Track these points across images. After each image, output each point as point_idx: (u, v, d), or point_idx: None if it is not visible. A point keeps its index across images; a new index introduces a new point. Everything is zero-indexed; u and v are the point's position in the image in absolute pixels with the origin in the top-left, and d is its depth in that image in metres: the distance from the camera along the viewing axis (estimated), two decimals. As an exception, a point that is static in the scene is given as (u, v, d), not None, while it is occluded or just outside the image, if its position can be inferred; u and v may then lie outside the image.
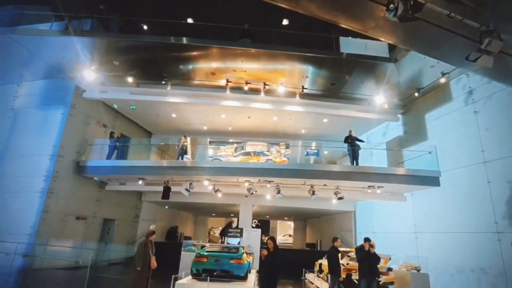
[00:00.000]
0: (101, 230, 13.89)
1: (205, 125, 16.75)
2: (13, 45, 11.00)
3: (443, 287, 9.69)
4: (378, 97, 13.01)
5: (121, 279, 10.47)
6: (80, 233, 12.41)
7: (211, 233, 25.17)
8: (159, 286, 8.75)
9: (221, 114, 15.30)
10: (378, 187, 11.99)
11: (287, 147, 15.82)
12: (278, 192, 12.43)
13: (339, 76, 13.47)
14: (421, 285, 8.33)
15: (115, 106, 14.63)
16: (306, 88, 14.02)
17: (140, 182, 12.86)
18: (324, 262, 10.93)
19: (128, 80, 13.39)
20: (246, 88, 13.78)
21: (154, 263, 7.09)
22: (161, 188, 12.77)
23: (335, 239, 8.14)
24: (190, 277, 9.32)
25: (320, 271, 11.07)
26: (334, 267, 7.67)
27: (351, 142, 12.56)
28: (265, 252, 6.25)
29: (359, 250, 7.29)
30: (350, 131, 12.71)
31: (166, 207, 19.65)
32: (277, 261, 6.21)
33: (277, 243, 6.59)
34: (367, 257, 6.90)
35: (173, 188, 13.04)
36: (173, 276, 8.49)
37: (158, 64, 12.86)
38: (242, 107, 14.16)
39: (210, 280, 8.47)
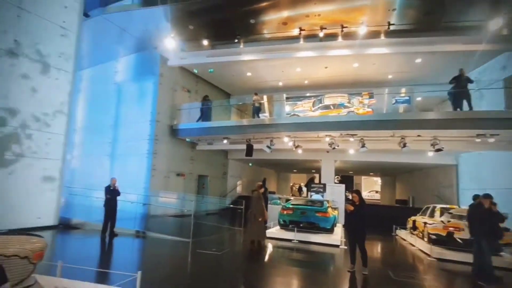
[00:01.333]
0: (197, 185, 15.75)
1: (280, 81, 16.35)
2: (106, 24, 12.34)
3: None
4: (495, 21, 10.17)
5: (218, 226, 11.86)
6: (181, 187, 14.34)
7: (294, 188, 25.98)
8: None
9: (296, 68, 14.60)
10: (491, 135, 9.92)
11: (371, 96, 14.27)
12: (363, 146, 11.58)
13: (438, 2, 10.93)
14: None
15: (195, 71, 15.44)
16: (393, 24, 11.94)
17: (225, 141, 13.73)
18: (418, 219, 10.07)
19: (203, 44, 13.78)
20: (321, 34, 12.58)
21: (266, 215, 8.09)
22: (244, 147, 13.42)
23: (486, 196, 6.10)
24: (278, 227, 9.90)
25: (414, 228, 10.28)
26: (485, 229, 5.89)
27: (462, 82, 10.34)
28: (350, 207, 5.98)
29: (476, 208, 6.26)
30: (461, 70, 10.39)
31: (250, 164, 20.85)
32: (364, 215, 5.89)
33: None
34: (487, 216, 5.88)
35: (255, 146, 13.54)
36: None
37: (230, 22, 12.72)
38: (318, 57, 13.13)
39: (297, 231, 8.82)
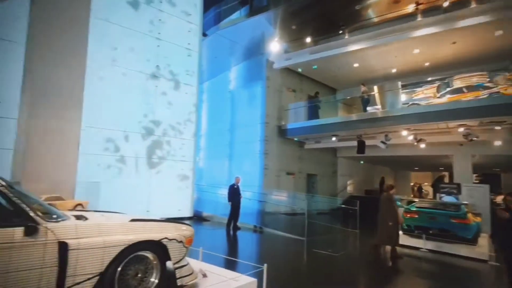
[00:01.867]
0: (306, 184, 15.77)
1: (393, 68, 14.55)
2: (220, 39, 13.88)
3: None
4: None
5: (330, 226, 11.51)
6: (291, 186, 14.66)
7: (415, 188, 22.70)
8: (368, 235, 8.86)
9: (412, 50, 12.66)
10: None
11: (526, 71, 10.93)
12: (519, 135, 8.98)
13: None
14: None
15: (299, 70, 15.51)
16: None
17: (333, 139, 13.25)
18: None
19: (306, 42, 13.70)
20: (445, 4, 10.47)
21: (401, 218, 7.26)
22: (354, 143, 12.59)
23: None
24: (400, 232, 8.78)
25: None
26: None
27: None
28: (505, 213, 4.65)
29: None
30: None
31: (361, 162, 19.43)
32: None
33: None
34: None
35: (368, 142, 12.50)
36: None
37: (333, 14, 12.20)
38: (443, 33, 10.98)
39: (427, 238, 7.59)
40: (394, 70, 14.82)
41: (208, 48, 14.52)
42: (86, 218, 2.69)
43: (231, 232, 8.74)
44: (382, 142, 11.54)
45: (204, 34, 13.35)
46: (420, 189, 20.17)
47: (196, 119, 11.05)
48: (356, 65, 14.47)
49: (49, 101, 5.38)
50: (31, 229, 2.15)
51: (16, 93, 6.45)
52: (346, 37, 12.94)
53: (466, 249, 7.19)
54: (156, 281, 2.87)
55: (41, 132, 5.49)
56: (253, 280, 3.82)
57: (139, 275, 2.80)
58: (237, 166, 14.73)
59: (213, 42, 14.26)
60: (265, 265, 3.84)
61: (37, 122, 5.51)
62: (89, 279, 2.37)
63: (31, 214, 2.22)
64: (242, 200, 9.18)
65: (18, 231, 2.11)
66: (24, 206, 2.22)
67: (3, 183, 2.23)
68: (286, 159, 14.86)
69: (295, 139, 15.10)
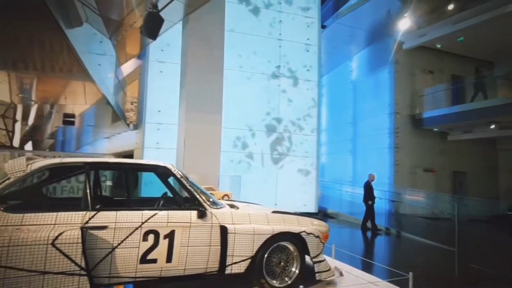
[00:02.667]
0: (452, 183, 13.08)
1: None
2: (339, 28, 13.23)
3: None
4: None
5: (491, 238, 9.16)
6: (431, 185, 12.50)
7: None
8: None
9: None
10: None
11: None
12: None
13: None
14: None
15: (438, 46, 12.96)
16: None
17: (492, 126, 10.43)
18: None
19: (447, 10, 11.29)
20: None
21: None
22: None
23: None
24: None
25: None
26: None
27: None
28: None
29: None
30: None
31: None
32: None
33: None
34: None
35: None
36: None
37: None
38: None
39: None
40: None
41: (327, 40, 14.08)
42: (237, 207, 3.05)
43: (367, 234, 8.18)
44: None
45: (323, 26, 13.03)
46: None
47: (317, 114, 10.95)
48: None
49: (199, 109, 6.45)
50: (202, 213, 2.61)
51: (176, 104, 8.12)
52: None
53: None
54: (297, 271, 2.96)
55: (194, 134, 6.62)
56: (396, 288, 3.42)
57: (282, 263, 2.96)
58: (362, 161, 13.72)
59: (332, 32, 13.71)
60: (411, 273, 3.35)
61: (191, 126, 6.67)
62: (243, 260, 2.67)
63: (201, 201, 2.69)
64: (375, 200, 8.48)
65: (194, 214, 2.60)
66: (196, 194, 2.71)
67: (182, 175, 2.79)
68: (423, 154, 12.75)
69: (435, 129, 12.74)
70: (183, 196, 2.88)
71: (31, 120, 15.49)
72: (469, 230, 9.43)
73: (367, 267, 4.70)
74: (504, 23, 10.71)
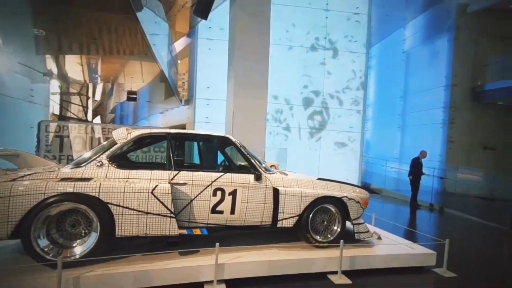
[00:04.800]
0: (515, 161, 12.00)
1: None
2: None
3: None
4: None
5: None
6: (489, 164, 11.65)
7: None
8: None
9: None
10: None
11: None
12: None
13: None
14: None
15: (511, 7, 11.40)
16: None
17: None
18: None
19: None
20: None
21: None
22: None
23: None
24: None
25: None
26: None
27: None
28: None
29: None
30: None
31: None
32: None
33: None
34: None
35: None
36: None
37: None
38: None
39: None
40: None
41: (378, 7, 13.18)
42: (286, 174, 3.52)
43: (410, 208, 8.24)
44: None
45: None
46: None
47: (365, 87, 10.68)
48: None
49: (246, 84, 6.86)
50: (258, 176, 3.15)
51: (224, 80, 8.63)
52: None
53: None
54: (338, 229, 3.45)
55: (241, 108, 7.12)
56: (432, 252, 3.67)
57: (325, 222, 3.42)
58: (411, 137, 13.14)
59: (384, -2, 12.79)
60: (447, 240, 3.58)
61: (239, 101, 7.16)
62: (292, 217, 3.19)
63: (257, 166, 3.21)
64: (423, 176, 8.37)
65: (251, 177, 3.16)
66: (253, 161, 3.23)
67: (241, 144, 3.32)
68: (483, 130, 11.79)
69: (499, 103, 11.61)
70: (239, 164, 3.43)
71: (98, 97, 17.44)
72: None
73: (405, 235, 4.94)
74: None
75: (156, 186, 2.64)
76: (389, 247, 3.70)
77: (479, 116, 11.66)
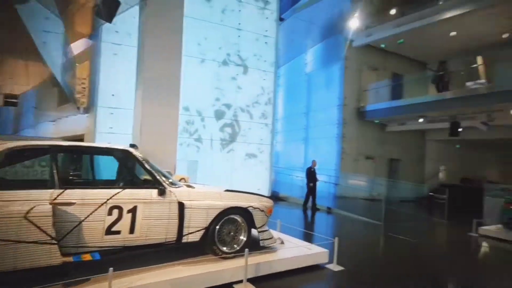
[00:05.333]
0: (388, 169, 14.88)
1: (505, 32, 12.10)
2: (296, 22, 13.90)
3: None
4: None
5: (413, 214, 10.82)
6: (370, 171, 14.09)
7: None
8: (459, 227, 8.11)
9: (534, 8, 10.30)
10: None
11: None
12: None
13: None
14: None
15: (382, 46, 14.35)
16: None
17: (420, 120, 12.07)
18: None
19: (390, 14, 12.59)
20: None
21: None
22: (446, 125, 11.25)
23: None
24: (500, 225, 7.74)
25: None
26: None
27: None
28: None
29: None
30: None
31: (457, 146, 17.06)
32: None
33: None
34: None
35: (464, 123, 11.01)
36: (474, 220, 7.50)
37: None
38: None
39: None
40: (505, 35, 12.34)
41: (285, 32, 14.67)
42: (193, 187, 3.49)
43: (307, 212, 9.19)
44: (483, 123, 10.02)
45: (281, 19, 13.55)
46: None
47: (273, 103, 11.56)
48: (453, 33, 12.58)
49: (157, 93, 6.57)
50: (162, 191, 3.00)
51: (131, 88, 8.04)
52: (441, 2, 11.38)
53: None
54: (245, 239, 3.57)
55: (151, 119, 6.76)
56: (325, 250, 4.19)
57: (231, 233, 3.51)
58: (313, 149, 14.86)
59: (290, 25, 14.34)
60: (336, 238, 4.16)
61: (148, 111, 6.77)
62: (198, 230, 3.15)
63: (160, 180, 3.07)
64: (318, 183, 9.48)
65: (154, 192, 2.99)
66: (156, 174, 3.08)
67: (143, 158, 3.12)
68: (366, 143, 14.25)
69: (376, 121, 14.28)
70: (141, 177, 3.23)
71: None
72: (396, 209, 11.03)
73: (305, 237, 5.49)
74: (436, 30, 12.32)
75: (32, 208, 2.24)
76: (290, 250, 4.04)
77: (363, 131, 14.07)
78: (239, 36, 10.88)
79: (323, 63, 15.19)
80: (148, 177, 3.14)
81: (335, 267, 4.11)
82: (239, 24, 10.91)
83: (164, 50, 7.05)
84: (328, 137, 13.98)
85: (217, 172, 10.11)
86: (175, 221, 3.05)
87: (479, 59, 14.50)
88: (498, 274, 5.01)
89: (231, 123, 10.57)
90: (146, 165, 3.07)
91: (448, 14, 11.13)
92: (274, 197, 11.52)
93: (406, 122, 13.61)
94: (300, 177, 12.31)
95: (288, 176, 13.21)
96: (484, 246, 6.70)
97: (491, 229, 7.58)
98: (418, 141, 15.99)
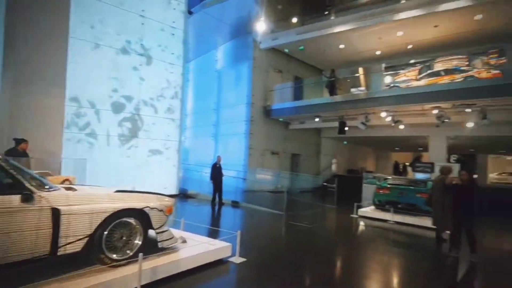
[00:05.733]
0: (291, 163, 16.33)
1: (378, 50, 14.82)
2: (206, 17, 13.73)
3: None
4: None
5: (311, 203, 12.17)
6: (276, 165, 15.18)
7: (401, 166, 23.60)
8: (345, 211, 9.52)
9: (396, 32, 12.92)
10: None
11: (501, 55, 11.44)
12: (484, 118, 9.60)
13: None
14: None
15: (286, 51, 15.58)
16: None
17: (316, 119, 13.64)
18: None
19: (293, 22, 13.78)
20: (429, -12, 10.74)
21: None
22: (337, 124, 13.06)
23: None
24: (372, 207, 9.48)
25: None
26: None
27: None
28: (457, 180, 5.25)
29: None
30: None
31: (345, 142, 20.06)
32: (472, 197, 5.10)
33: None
34: None
35: (349, 123, 12.98)
36: (355, 204, 8.96)
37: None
38: (425, 16, 11.25)
39: (394, 212, 8.27)
40: (378, 52, 15.10)
41: (194, 27, 14.34)
42: (75, 190, 3.01)
43: (215, 207, 9.24)
44: (362, 123, 12.03)
45: (190, 12, 13.15)
46: (404, 167, 20.98)
47: (181, 97, 11.15)
48: (342, 46, 14.65)
49: (33, 79, 5.47)
50: (27, 197, 2.46)
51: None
52: (332, 18, 13.08)
53: (427, 220, 7.88)
54: (140, 242, 3.28)
55: (24, 110, 5.61)
56: (228, 244, 4.28)
57: (124, 238, 3.18)
58: (223, 145, 15.06)
59: (199, 20, 14.09)
60: (238, 231, 4.30)
61: (20, 100, 5.61)
62: (79, 239, 2.72)
63: (26, 184, 2.52)
64: (224, 178, 9.62)
65: (16, 198, 2.43)
66: (19, 177, 2.51)
67: (3, 157, 2.50)
68: (271, 139, 15.27)
69: (280, 119, 15.44)
70: (6, 180, 2.60)
71: None
72: (297, 199, 12.21)
73: (210, 234, 5.50)
74: (328, 42, 14.11)
75: None
76: (192, 248, 3.96)
77: (269, 128, 15.01)
78: (142, 23, 10.03)
79: (233, 61, 15.49)
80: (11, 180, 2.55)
81: (237, 259, 4.24)
82: (143, 11, 10.05)
83: (45, 27, 5.95)
84: (237, 133, 14.38)
85: (117, 171, 9.11)
86: (47, 231, 2.56)
87: (361, 70, 17.41)
88: (370, 242, 6.12)
89: (131, 117, 9.66)
90: (5, 166, 2.48)
91: (337, 29, 12.87)
92: (183, 194, 11.17)
93: (305, 121, 15.16)
94: (208, 173, 12.32)
95: (198, 173, 13.02)
96: (361, 224, 8.06)
97: (367, 210, 9.20)
98: (316, 138, 18.09)
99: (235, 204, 10.06)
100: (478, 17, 11.24)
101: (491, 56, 11.64)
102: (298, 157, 16.87)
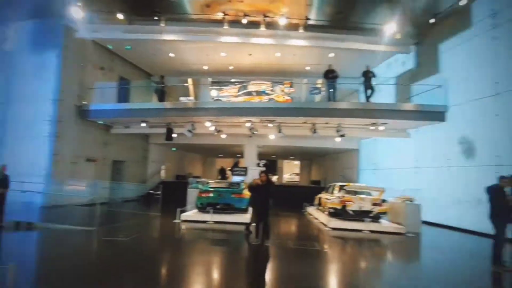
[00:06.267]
0: (111, 171, 14.62)
1: (205, 65, 16.11)
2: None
3: (442, 216, 10.17)
4: (390, 25, 11.82)
5: (134, 213, 11.37)
6: (91, 174, 13.11)
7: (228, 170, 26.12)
8: (169, 217, 9.48)
9: (220, 52, 14.55)
10: (382, 123, 11.74)
11: (291, 86, 15.34)
12: (279, 131, 12.42)
13: (347, 2, 12.18)
14: (413, 214, 8.71)
15: (109, 47, 14.03)
16: (310, 19, 12.92)
17: (143, 124, 12.99)
18: (322, 196, 11.43)
19: (118, 18, 12.64)
20: (244, 21, 12.85)
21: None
22: (165, 130, 12.96)
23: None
24: (195, 210, 10.01)
25: (319, 204, 11.67)
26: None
27: (369, 77, 11.76)
28: (258, 180, 6.47)
29: (496, 190, 5.46)
30: (367, 66, 11.83)
31: (173, 149, 20.24)
32: (269, 193, 6.44)
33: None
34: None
35: (176, 130, 13.20)
36: (178, 209, 9.14)
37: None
38: (242, 44, 13.34)
39: (214, 212, 9.09)
40: (206, 67, 16.38)
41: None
42: None
43: None
44: (189, 130, 12.56)
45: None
46: (222, 171, 23.37)
47: None
48: (171, 55, 14.82)
49: None
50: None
51: None
52: (162, 24, 13.01)
53: (239, 217, 9.21)
54: None
55: None
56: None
57: None
58: (12, 151, 11.38)
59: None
60: (10, 264, 3.32)
61: None
62: None
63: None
64: (8, 193, 7.34)
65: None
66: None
67: None
68: (87, 144, 13.13)
69: (100, 122, 13.60)
70: None
71: None
72: (118, 210, 11.07)
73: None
74: (158, 47, 13.89)
75: None
76: None
77: (84, 131, 12.84)
78: None
79: (33, 46, 12.25)
80: None
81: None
82: None
83: None
84: (36, 136, 11.39)
85: None
86: None
87: (190, 81, 18.27)
88: (189, 244, 6.37)
89: None
90: None
91: (165, 37, 12.96)
92: None
93: (130, 125, 14.12)
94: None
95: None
96: (183, 228, 8.30)
97: (190, 214, 9.59)
98: (143, 144, 17.19)
99: (28, 226, 7.77)
100: (278, 54, 14.50)
101: (285, 85, 15.38)
102: (122, 164, 15.40)
